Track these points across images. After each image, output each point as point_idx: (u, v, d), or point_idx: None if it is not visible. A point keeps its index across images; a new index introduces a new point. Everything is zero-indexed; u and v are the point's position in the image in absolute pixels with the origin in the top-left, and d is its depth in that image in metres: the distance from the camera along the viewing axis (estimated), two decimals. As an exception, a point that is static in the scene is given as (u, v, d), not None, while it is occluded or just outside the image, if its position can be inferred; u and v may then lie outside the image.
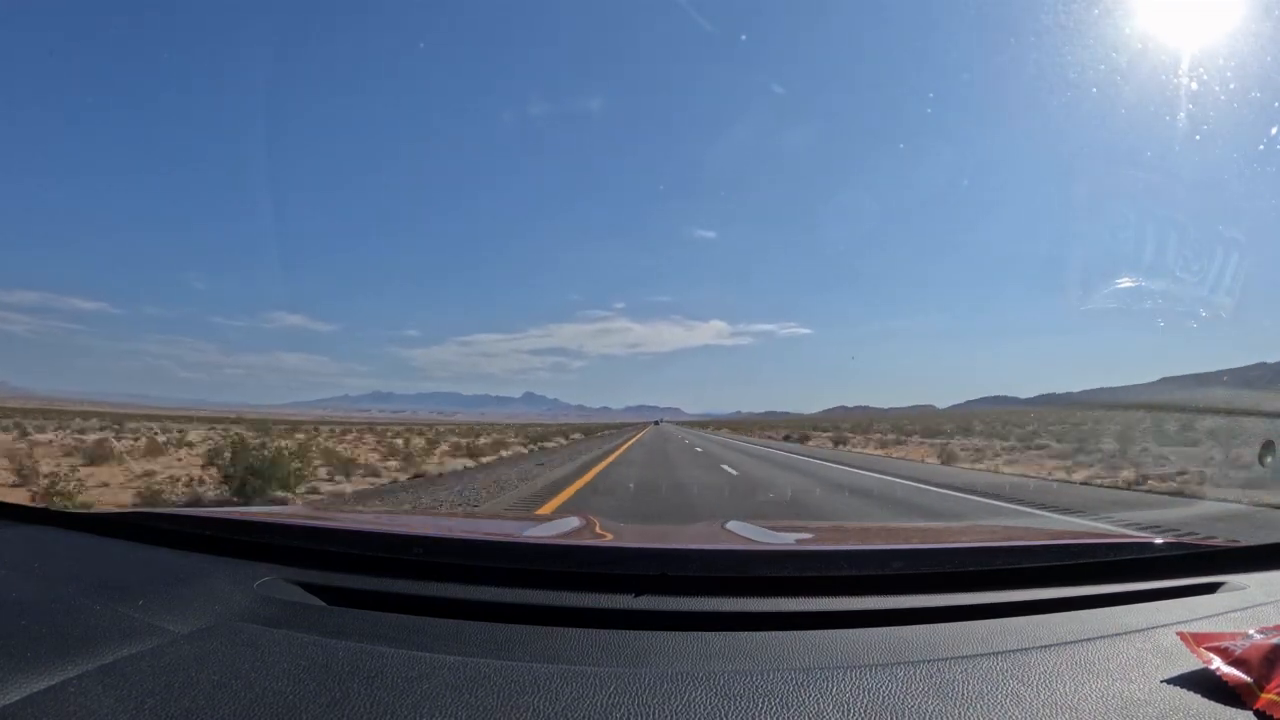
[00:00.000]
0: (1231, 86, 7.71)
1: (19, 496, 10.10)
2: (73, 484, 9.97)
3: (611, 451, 22.21)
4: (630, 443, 30.36)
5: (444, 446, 28.34)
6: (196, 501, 9.84)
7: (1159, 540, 1.21)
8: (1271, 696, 0.68)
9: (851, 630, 0.89)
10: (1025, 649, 0.83)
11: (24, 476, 12.08)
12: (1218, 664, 0.73)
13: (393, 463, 18.45)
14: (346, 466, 15.39)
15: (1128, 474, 14.27)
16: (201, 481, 12.03)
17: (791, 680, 0.72)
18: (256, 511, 1.84)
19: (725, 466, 15.86)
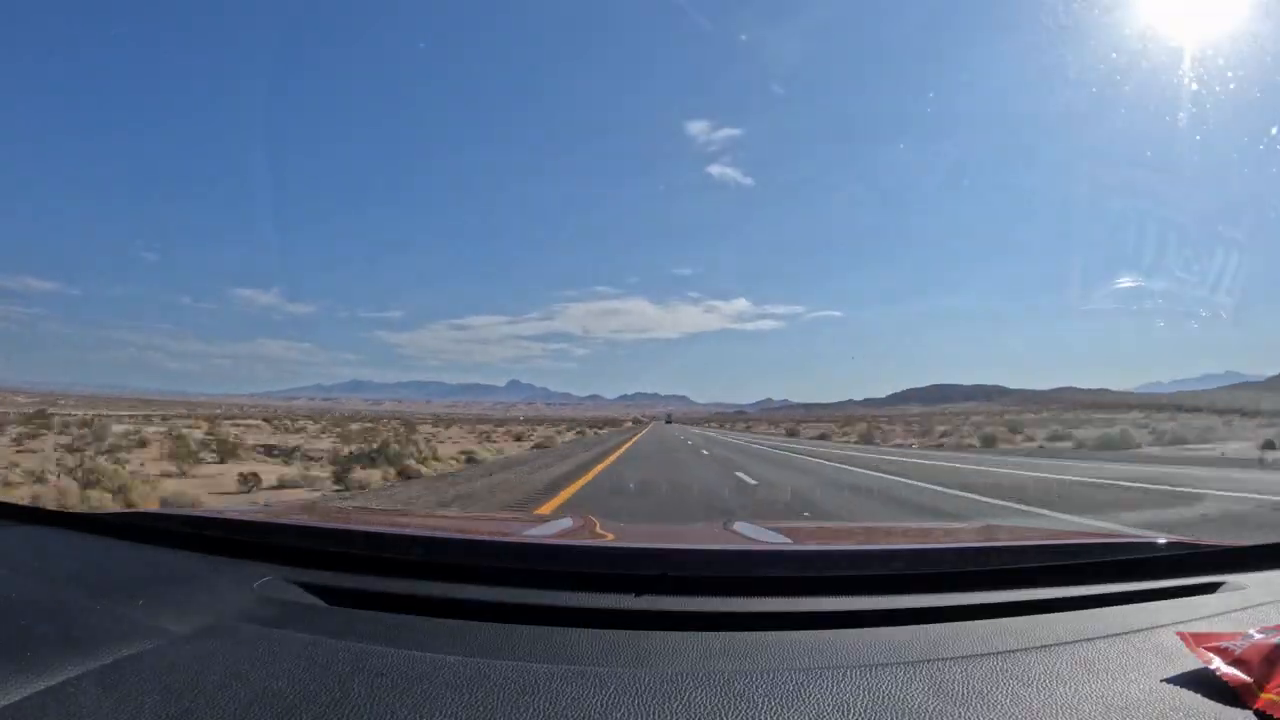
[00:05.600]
0: (1232, 87, 7.72)
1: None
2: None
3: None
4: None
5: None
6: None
7: (1159, 540, 1.21)
8: (1271, 696, 0.68)
9: (851, 630, 0.89)
10: (1025, 649, 0.83)
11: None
12: (1218, 664, 0.73)
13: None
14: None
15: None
16: None
17: (791, 680, 0.72)
18: (256, 511, 1.84)
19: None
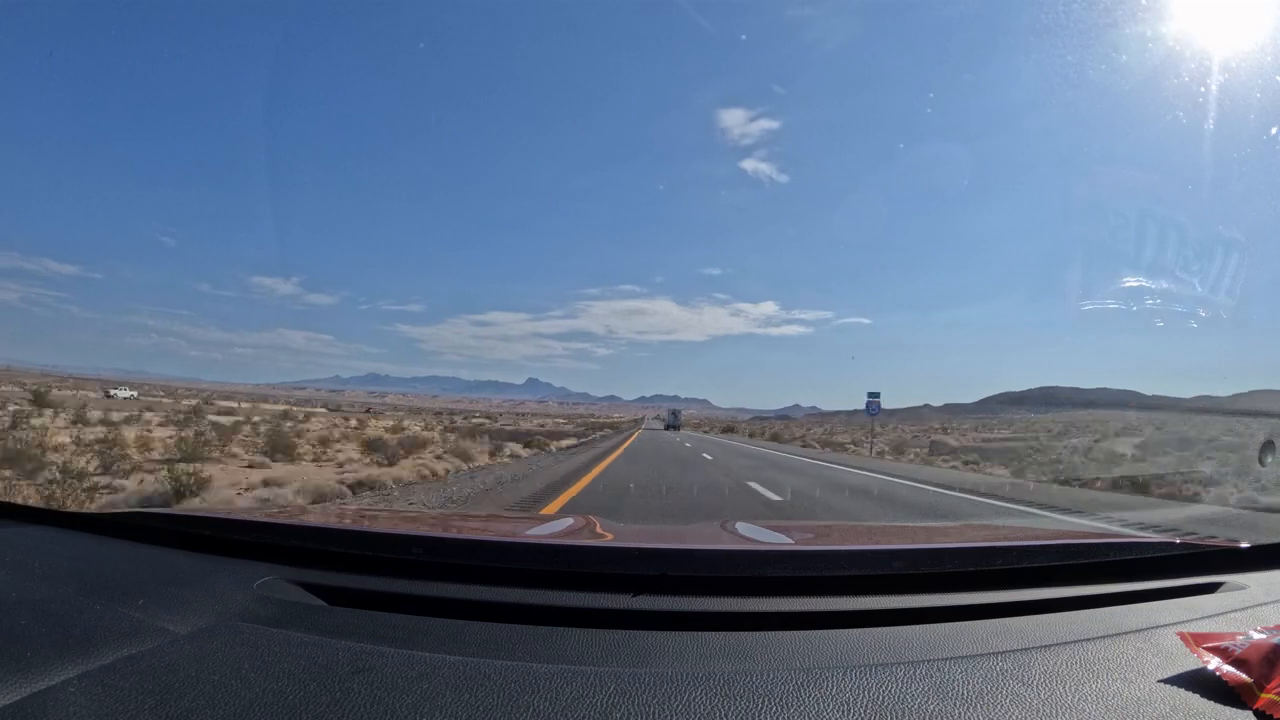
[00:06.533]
0: (1233, 87, 7.71)
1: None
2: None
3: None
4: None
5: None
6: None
7: (1159, 540, 1.21)
8: (1271, 696, 0.68)
9: (851, 630, 0.89)
10: (1025, 649, 0.83)
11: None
12: (1217, 664, 0.73)
13: None
14: None
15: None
16: None
17: (791, 680, 0.72)
18: (256, 511, 1.85)
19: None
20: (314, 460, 14.78)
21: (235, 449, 15.86)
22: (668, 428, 60.98)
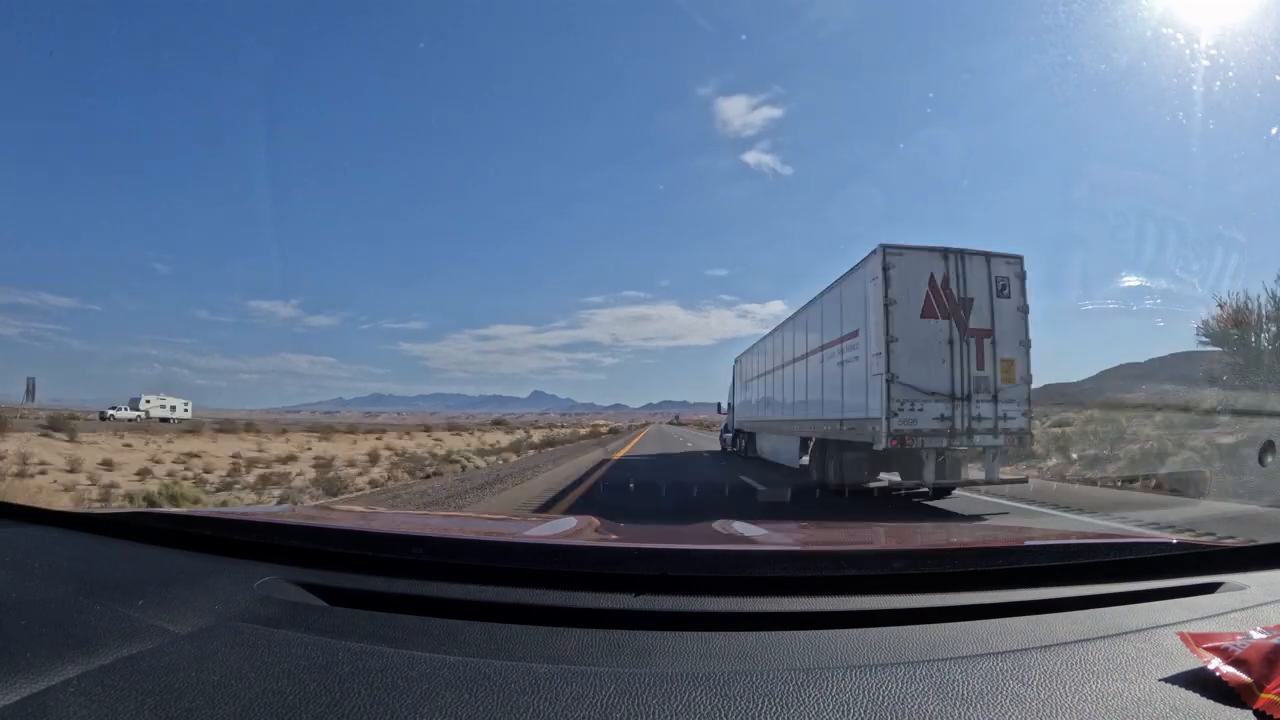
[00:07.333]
0: (1233, 87, 7.71)
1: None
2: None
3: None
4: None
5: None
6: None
7: (1159, 540, 1.21)
8: (1271, 696, 0.68)
9: (851, 630, 0.89)
10: (1025, 649, 0.83)
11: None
12: (1217, 664, 0.73)
13: None
14: None
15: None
16: None
17: (791, 680, 0.72)
18: (256, 511, 1.85)
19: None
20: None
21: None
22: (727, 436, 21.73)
